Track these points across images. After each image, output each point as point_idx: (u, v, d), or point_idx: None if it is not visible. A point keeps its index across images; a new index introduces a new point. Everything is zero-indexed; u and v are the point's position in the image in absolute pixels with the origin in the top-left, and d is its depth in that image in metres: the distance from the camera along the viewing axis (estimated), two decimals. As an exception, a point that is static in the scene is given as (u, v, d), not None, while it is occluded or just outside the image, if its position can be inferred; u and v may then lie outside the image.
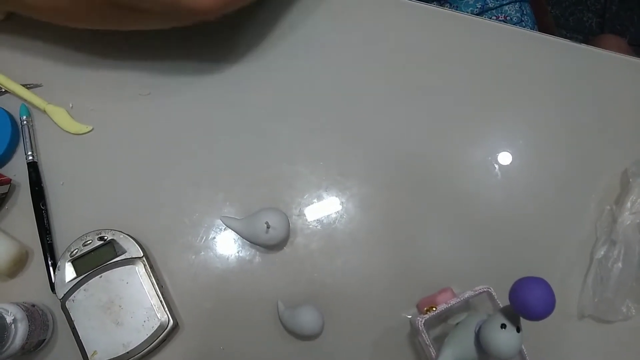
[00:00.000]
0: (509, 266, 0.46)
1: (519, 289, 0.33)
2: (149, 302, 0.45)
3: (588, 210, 0.48)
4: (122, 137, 0.52)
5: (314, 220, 0.49)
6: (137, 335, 0.44)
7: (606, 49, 0.53)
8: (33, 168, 0.50)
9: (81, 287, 0.45)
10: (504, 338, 0.35)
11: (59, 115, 0.52)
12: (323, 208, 0.49)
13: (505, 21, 0.72)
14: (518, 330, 0.35)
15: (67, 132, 0.52)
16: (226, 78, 0.52)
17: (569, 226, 0.48)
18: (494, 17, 0.72)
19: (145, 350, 0.44)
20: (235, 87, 0.52)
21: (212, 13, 0.41)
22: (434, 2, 0.63)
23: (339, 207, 0.49)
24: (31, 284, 0.48)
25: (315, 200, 0.49)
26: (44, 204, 0.49)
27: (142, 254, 0.46)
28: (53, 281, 0.46)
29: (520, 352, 0.40)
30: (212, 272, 0.48)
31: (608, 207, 0.47)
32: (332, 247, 0.48)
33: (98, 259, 0.46)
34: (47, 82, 0.53)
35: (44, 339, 0.46)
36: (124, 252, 0.46)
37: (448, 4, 0.73)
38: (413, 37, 0.53)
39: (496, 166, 0.49)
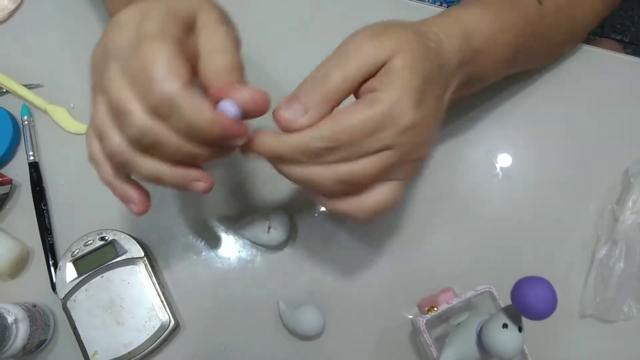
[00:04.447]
0: (510, 266, 0.46)
1: (520, 289, 0.33)
2: (150, 302, 0.45)
3: (589, 209, 0.48)
4: (123, 137, 0.51)
5: (315, 220, 0.49)
6: (138, 335, 0.44)
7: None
8: (34, 168, 0.50)
9: (82, 287, 0.45)
10: (505, 338, 0.35)
11: (60, 115, 0.52)
12: (324, 208, 0.49)
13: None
14: (520, 329, 0.35)
15: (68, 132, 0.52)
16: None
17: (570, 226, 0.48)
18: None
19: (147, 350, 0.44)
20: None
21: None
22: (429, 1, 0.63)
23: (340, 207, 0.49)
24: (32, 284, 0.48)
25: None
26: (45, 204, 0.49)
27: (143, 254, 0.46)
28: (54, 281, 0.47)
29: (522, 352, 0.40)
30: (213, 272, 0.48)
31: (609, 207, 0.47)
32: (333, 247, 0.48)
33: (99, 259, 0.46)
34: (48, 82, 0.53)
35: (45, 339, 0.46)
36: (125, 252, 0.46)
37: (446, 3, 0.73)
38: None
39: (497, 166, 0.49)
